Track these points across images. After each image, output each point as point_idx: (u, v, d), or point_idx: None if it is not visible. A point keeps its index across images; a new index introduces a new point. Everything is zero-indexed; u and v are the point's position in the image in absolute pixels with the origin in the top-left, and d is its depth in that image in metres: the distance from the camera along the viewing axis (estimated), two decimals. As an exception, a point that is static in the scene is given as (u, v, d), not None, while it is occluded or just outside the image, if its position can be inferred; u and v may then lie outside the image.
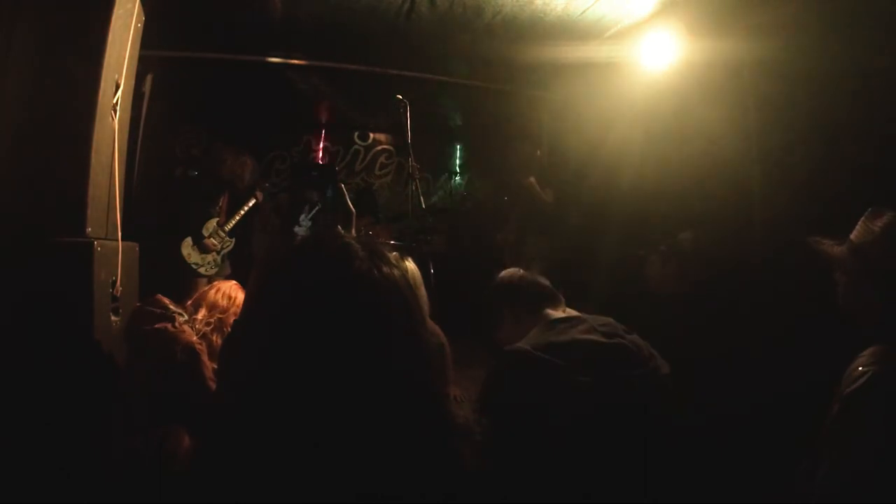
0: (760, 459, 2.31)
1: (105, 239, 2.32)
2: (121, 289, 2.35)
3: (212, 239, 4.51)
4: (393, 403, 0.87)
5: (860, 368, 1.53)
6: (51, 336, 2.01)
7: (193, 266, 4.42)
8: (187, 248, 4.42)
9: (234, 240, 4.66)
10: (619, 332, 1.76)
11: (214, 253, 4.54)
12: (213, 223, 4.57)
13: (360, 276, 0.91)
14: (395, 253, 1.04)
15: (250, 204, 4.73)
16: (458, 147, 6.53)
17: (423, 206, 4.39)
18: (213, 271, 4.52)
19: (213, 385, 1.97)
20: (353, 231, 1.66)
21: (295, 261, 0.97)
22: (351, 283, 0.91)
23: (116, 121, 2.41)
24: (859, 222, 1.65)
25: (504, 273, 2.11)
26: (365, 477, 0.83)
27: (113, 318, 2.31)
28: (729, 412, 2.67)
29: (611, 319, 1.84)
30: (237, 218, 4.68)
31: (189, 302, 2.33)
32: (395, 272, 0.95)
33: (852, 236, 1.65)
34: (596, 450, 1.55)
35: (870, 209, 1.64)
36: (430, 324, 1.28)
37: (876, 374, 1.48)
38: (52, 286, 2.05)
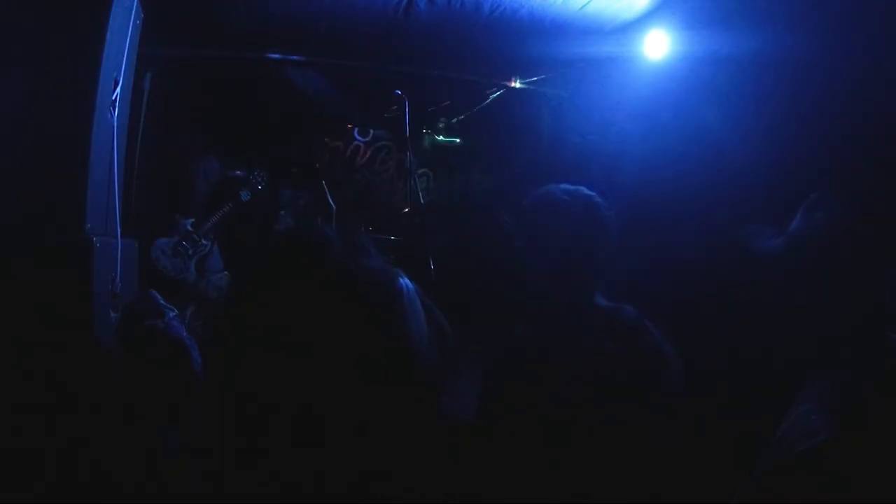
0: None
1: (104, 236, 2.32)
2: (120, 285, 2.35)
3: (183, 242, 4.24)
4: (366, 391, 0.88)
5: (814, 416, 1.24)
6: (50, 334, 2.01)
7: (162, 270, 4.06)
8: (156, 251, 4.14)
9: (209, 243, 4.37)
10: None
11: (184, 257, 4.21)
12: (186, 225, 4.34)
13: (336, 266, 0.92)
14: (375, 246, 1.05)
15: (231, 204, 4.50)
16: (458, 143, 6.52)
17: (423, 203, 4.39)
18: (181, 276, 4.13)
19: (203, 380, 1.97)
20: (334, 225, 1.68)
21: (276, 250, 0.98)
22: (327, 273, 0.92)
23: (115, 118, 2.41)
24: (799, 212, 1.49)
25: None
26: (348, 472, 0.83)
27: (113, 314, 2.31)
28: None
29: None
30: (214, 219, 4.43)
31: (180, 297, 2.32)
32: (375, 263, 0.96)
33: (792, 227, 1.48)
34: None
35: (811, 196, 1.46)
36: (439, 315, 1.28)
37: (835, 427, 1.19)
38: (51, 283, 2.05)
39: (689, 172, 4.12)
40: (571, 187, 1.79)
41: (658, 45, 4.41)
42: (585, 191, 1.80)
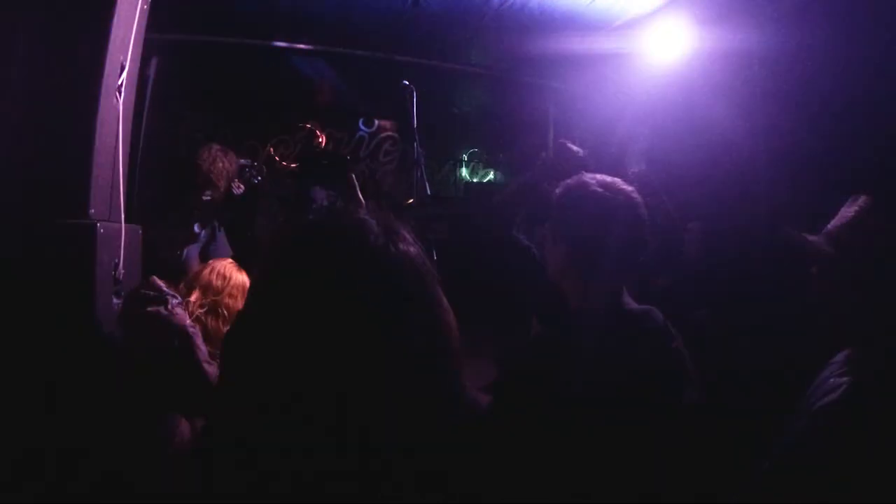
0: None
1: (108, 221, 2.31)
2: (123, 272, 2.34)
3: (179, 228, 4.17)
4: (404, 379, 0.87)
5: (833, 379, 1.37)
6: (52, 319, 2.00)
7: (158, 253, 3.90)
8: (155, 236, 3.90)
9: (203, 233, 4.30)
10: None
11: (179, 243, 4.19)
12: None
13: (375, 250, 0.90)
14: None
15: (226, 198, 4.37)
16: (464, 135, 6.50)
17: (428, 194, 4.38)
18: (176, 262, 4.10)
19: (207, 368, 1.96)
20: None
21: (310, 235, 0.96)
22: (366, 257, 0.90)
23: (121, 102, 2.39)
24: (840, 211, 1.57)
25: None
26: (373, 457, 0.82)
27: (115, 301, 2.30)
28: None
29: None
30: (209, 210, 4.30)
31: (182, 283, 2.31)
32: (411, 249, 0.94)
33: (829, 225, 1.57)
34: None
35: (850, 198, 1.55)
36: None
37: (851, 387, 1.32)
38: (54, 268, 2.04)
39: (697, 168, 4.11)
40: (608, 179, 1.68)
41: (667, 42, 4.39)
42: (622, 184, 1.69)
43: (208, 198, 4.38)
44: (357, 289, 0.88)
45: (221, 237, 4.48)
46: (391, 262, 0.90)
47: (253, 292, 1.01)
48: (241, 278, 2.44)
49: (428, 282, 0.93)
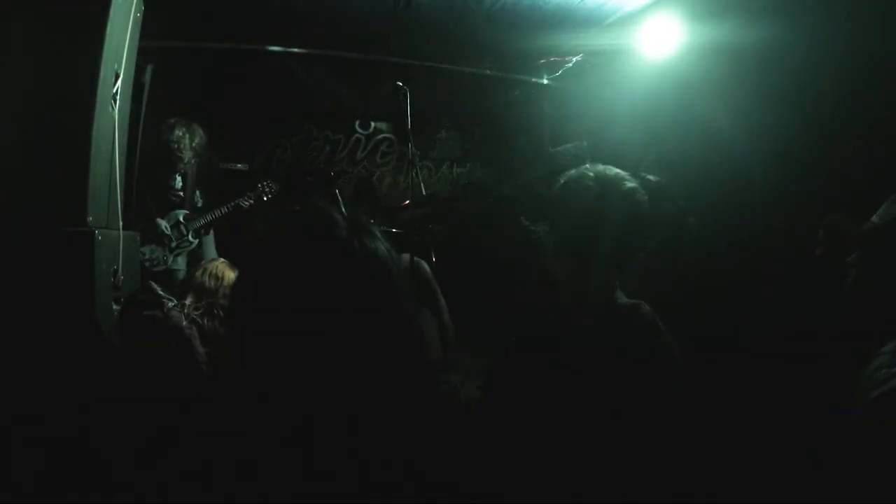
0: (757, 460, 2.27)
1: (106, 228, 2.33)
2: (122, 277, 2.36)
3: (170, 232, 4.13)
4: (372, 371, 0.88)
5: (885, 370, 1.40)
6: (52, 325, 2.02)
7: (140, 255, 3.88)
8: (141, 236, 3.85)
9: (196, 241, 4.25)
10: None
11: (164, 248, 4.12)
12: (178, 215, 4.20)
13: (339, 244, 0.92)
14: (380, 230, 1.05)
15: (230, 206, 4.32)
16: (460, 135, 6.52)
17: (424, 194, 4.39)
18: (160, 268, 4.07)
19: (205, 369, 1.98)
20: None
21: (278, 232, 0.99)
22: (330, 250, 0.92)
23: (116, 110, 2.42)
24: (883, 205, 1.60)
25: None
26: (348, 449, 0.84)
27: (114, 306, 2.32)
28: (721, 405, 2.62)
29: None
30: (209, 219, 4.27)
31: (178, 287, 2.33)
32: (379, 245, 0.96)
33: (875, 217, 1.60)
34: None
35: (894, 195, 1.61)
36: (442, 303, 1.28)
37: None
38: (53, 275, 2.06)
39: (691, 166, 4.12)
40: (609, 173, 1.65)
41: (659, 38, 4.40)
42: (623, 178, 1.65)
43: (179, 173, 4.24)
44: (321, 282, 0.90)
45: (209, 241, 4.44)
46: (355, 256, 0.92)
47: (232, 290, 1.04)
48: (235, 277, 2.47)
49: (394, 278, 0.95)
